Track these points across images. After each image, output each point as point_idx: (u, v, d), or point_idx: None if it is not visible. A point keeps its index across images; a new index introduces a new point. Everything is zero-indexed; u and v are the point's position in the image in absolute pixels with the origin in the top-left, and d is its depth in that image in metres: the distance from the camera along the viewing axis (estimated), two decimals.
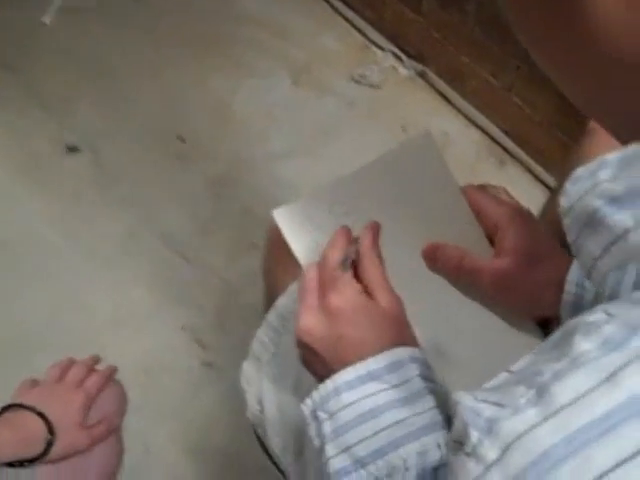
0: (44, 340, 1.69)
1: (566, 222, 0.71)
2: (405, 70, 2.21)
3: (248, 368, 1.05)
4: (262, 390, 1.00)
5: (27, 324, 1.72)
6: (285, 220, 0.91)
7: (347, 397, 0.70)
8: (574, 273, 0.81)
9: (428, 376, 0.73)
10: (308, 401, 0.73)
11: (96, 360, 1.15)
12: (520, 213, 0.86)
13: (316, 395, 0.72)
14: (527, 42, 0.46)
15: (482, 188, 1.72)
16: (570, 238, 0.73)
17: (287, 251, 0.90)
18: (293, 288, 0.98)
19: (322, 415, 0.71)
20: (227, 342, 1.71)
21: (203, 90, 2.16)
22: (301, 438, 0.94)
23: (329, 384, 0.71)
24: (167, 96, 2.13)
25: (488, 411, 0.44)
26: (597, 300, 0.71)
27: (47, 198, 1.92)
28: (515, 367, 0.52)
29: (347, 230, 0.83)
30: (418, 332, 0.81)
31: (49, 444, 0.96)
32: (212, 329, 1.73)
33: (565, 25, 0.41)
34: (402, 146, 0.92)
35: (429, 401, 0.70)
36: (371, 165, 0.92)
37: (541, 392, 0.42)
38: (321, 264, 0.81)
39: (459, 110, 2.12)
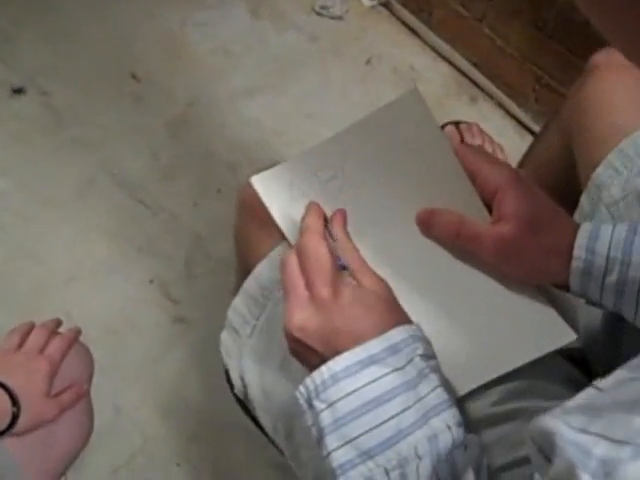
0: None
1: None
2: (368, 0, 2.11)
3: (226, 339, 1.00)
4: (243, 368, 0.95)
5: None
6: (265, 187, 0.85)
7: (348, 384, 0.66)
8: (583, 237, 0.78)
9: (429, 353, 0.70)
10: (302, 389, 0.69)
11: (58, 323, 1.09)
12: (518, 176, 0.81)
13: (310, 383, 0.68)
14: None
15: (477, 148, 1.69)
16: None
17: (264, 217, 0.85)
18: (274, 255, 0.92)
19: (319, 405, 0.67)
20: (198, 295, 1.64)
21: (154, 25, 2.04)
22: (290, 420, 0.90)
23: (324, 371, 0.67)
24: (117, 32, 2.01)
25: (599, 449, 0.39)
26: None
27: None
28: (604, 384, 0.47)
29: (318, 207, 0.80)
30: (415, 303, 0.79)
31: (14, 417, 0.91)
32: (181, 282, 1.65)
33: None
34: (390, 105, 0.86)
35: (433, 380, 0.67)
36: (357, 126, 0.86)
37: None
38: (300, 248, 0.76)
39: (426, 42, 2.05)
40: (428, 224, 0.83)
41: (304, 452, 0.89)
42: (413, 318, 0.75)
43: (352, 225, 0.81)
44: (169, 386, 1.55)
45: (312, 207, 0.80)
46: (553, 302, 0.85)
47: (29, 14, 2.02)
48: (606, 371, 0.87)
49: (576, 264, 0.78)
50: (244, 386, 0.96)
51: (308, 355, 0.71)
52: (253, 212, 0.91)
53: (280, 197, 0.84)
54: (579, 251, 0.77)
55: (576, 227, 0.80)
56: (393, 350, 0.67)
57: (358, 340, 0.68)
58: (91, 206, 1.74)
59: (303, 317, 0.71)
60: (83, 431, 1.04)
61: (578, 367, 0.90)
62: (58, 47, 1.96)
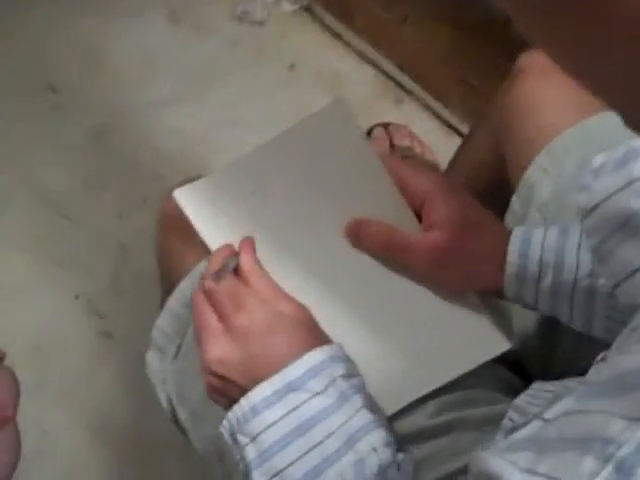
0: None
1: (588, 222, 0.66)
2: (289, 5, 2.09)
3: (152, 361, 0.98)
4: (170, 391, 0.93)
5: None
6: (188, 201, 0.83)
7: (267, 416, 0.64)
8: (515, 242, 0.78)
9: (351, 373, 0.68)
10: (225, 423, 0.67)
11: None
12: (447, 183, 0.81)
13: (232, 416, 0.66)
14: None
15: (403, 158, 1.69)
16: (593, 240, 0.68)
17: (187, 231, 0.83)
18: (197, 271, 0.89)
19: (243, 439, 0.65)
20: (126, 309, 1.60)
21: (71, 34, 1.97)
22: (221, 444, 0.86)
23: (244, 403, 0.65)
24: (31, 43, 1.94)
25: None
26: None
27: None
28: (550, 414, 0.46)
29: (228, 245, 0.78)
30: (346, 319, 0.79)
31: None
32: (108, 296, 1.61)
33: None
34: (314, 116, 0.85)
35: (356, 401, 0.66)
36: (281, 137, 0.85)
37: (622, 470, 0.35)
38: (206, 283, 0.74)
39: (350, 46, 2.02)
40: (356, 236, 0.82)
41: (236, 477, 0.87)
42: (344, 335, 0.73)
43: (276, 241, 0.80)
44: (99, 405, 1.50)
45: (220, 249, 0.78)
46: (487, 307, 0.84)
47: None
48: (542, 373, 0.87)
49: (510, 270, 0.77)
50: (172, 408, 0.93)
51: (228, 390, 0.69)
52: (176, 226, 0.89)
53: (204, 211, 0.82)
54: (512, 257, 0.77)
55: (506, 232, 0.80)
56: (311, 374, 0.65)
57: (277, 366, 0.66)
58: (10, 222, 1.68)
59: (220, 349, 0.69)
60: (9, 458, 0.98)
61: (512, 369, 0.90)
62: None
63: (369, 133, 1.80)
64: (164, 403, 0.94)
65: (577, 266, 0.75)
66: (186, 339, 0.91)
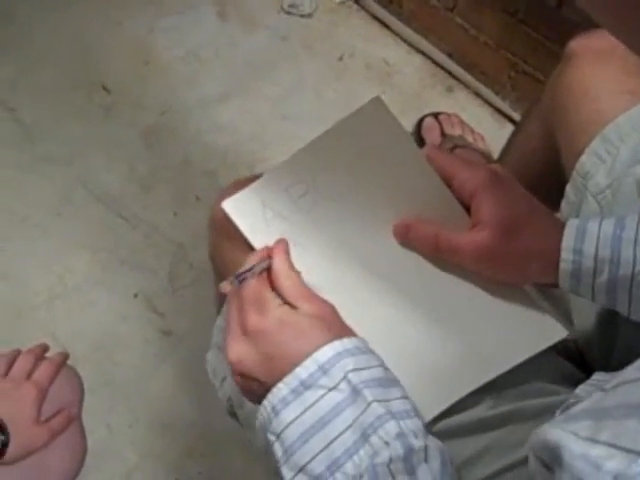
0: None
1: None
2: None
3: (212, 359, 0.99)
4: (229, 389, 0.94)
5: None
6: (237, 211, 0.83)
7: (287, 415, 0.65)
8: (569, 238, 0.76)
9: (362, 365, 0.68)
10: (258, 424, 0.69)
11: (45, 348, 1.07)
12: (495, 176, 0.79)
13: (260, 418, 0.68)
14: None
15: (455, 147, 1.68)
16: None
17: (237, 237, 0.83)
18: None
19: (271, 437, 0.66)
20: (183, 306, 1.62)
21: (120, 33, 2.01)
22: None
23: (266, 405, 0.67)
24: (82, 42, 1.98)
25: (610, 463, 0.37)
26: None
27: None
28: (609, 385, 0.45)
29: (266, 248, 0.79)
30: (401, 314, 0.79)
31: (3, 445, 0.89)
32: (166, 294, 1.63)
33: None
34: (353, 115, 0.84)
35: (367, 396, 0.65)
36: (322, 138, 0.84)
37: None
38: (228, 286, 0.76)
39: (398, 35, 2.03)
40: (405, 238, 0.82)
41: None
42: (398, 332, 0.74)
43: (327, 241, 0.81)
44: (161, 401, 1.53)
45: (256, 252, 0.79)
46: (544, 297, 0.84)
47: None
48: (603, 364, 0.86)
49: (564, 266, 0.77)
50: (232, 406, 0.94)
51: (255, 388, 0.70)
52: (226, 229, 0.88)
53: (254, 220, 0.82)
54: (566, 253, 0.76)
55: (557, 224, 0.79)
56: (322, 371, 0.66)
57: (295, 364, 0.67)
58: (69, 222, 1.71)
59: (238, 350, 0.70)
60: (76, 455, 1.01)
61: (574, 361, 0.89)
62: (22, 61, 1.93)
63: (420, 123, 1.79)
64: (224, 401, 0.95)
65: (634, 261, 0.74)
66: None
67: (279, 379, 0.66)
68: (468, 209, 0.81)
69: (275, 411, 0.65)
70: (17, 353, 1.02)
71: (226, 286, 0.74)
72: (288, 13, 2.07)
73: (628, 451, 0.37)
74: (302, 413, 0.64)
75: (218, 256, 1.00)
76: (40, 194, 1.74)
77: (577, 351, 0.91)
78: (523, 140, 1.23)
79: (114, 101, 1.89)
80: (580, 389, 0.76)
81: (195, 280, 1.64)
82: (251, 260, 0.76)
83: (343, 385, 0.65)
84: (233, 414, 0.96)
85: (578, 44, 1.03)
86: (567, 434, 0.42)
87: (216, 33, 2.03)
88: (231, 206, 0.83)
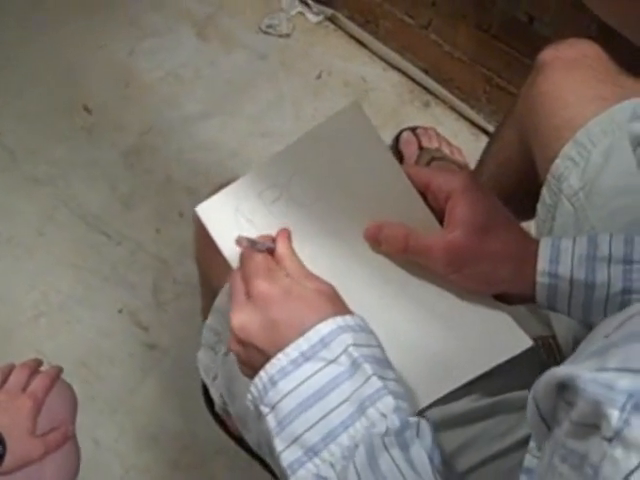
0: None
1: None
2: (314, 16, 2.13)
3: (203, 358, 1.01)
4: (221, 386, 0.96)
5: None
6: (210, 216, 0.82)
7: (285, 385, 0.66)
8: (544, 261, 0.77)
9: (363, 342, 0.69)
10: (249, 397, 0.70)
11: (39, 363, 1.07)
12: (471, 181, 0.80)
13: (254, 390, 0.69)
14: None
15: (432, 160, 1.70)
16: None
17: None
18: None
19: (264, 409, 0.67)
20: (167, 320, 1.64)
21: (102, 55, 2.03)
22: None
23: (263, 375, 0.67)
24: (64, 64, 1.99)
25: (623, 381, 0.38)
26: None
27: None
28: (608, 330, 0.47)
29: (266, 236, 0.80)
30: (368, 319, 0.76)
31: (0, 456, 0.90)
32: (150, 309, 1.64)
33: None
34: (330, 120, 0.84)
35: (367, 370, 0.66)
36: (299, 143, 0.84)
37: None
38: (240, 260, 0.77)
39: (375, 53, 2.06)
40: (376, 239, 0.82)
41: None
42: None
43: (298, 247, 0.80)
44: (147, 414, 1.54)
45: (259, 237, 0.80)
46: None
47: None
48: None
49: (540, 288, 0.78)
50: (224, 403, 0.95)
51: (253, 358, 0.71)
52: (209, 240, 0.91)
53: (226, 225, 0.81)
54: (542, 277, 0.77)
55: (526, 236, 0.80)
56: (323, 343, 0.67)
57: (296, 332, 0.68)
58: (52, 241, 1.72)
59: (242, 316, 0.71)
60: (70, 469, 1.01)
61: (554, 356, 0.91)
62: (4, 85, 1.94)
63: (398, 137, 1.82)
64: (216, 399, 0.97)
65: (609, 284, 0.75)
66: None
67: (280, 348, 0.67)
68: (442, 218, 0.81)
69: (272, 381, 0.66)
70: (12, 367, 1.03)
71: (242, 240, 0.75)
72: (266, 33, 2.10)
73: (638, 371, 0.39)
74: (300, 384, 0.65)
75: (204, 259, 1.02)
76: (24, 214, 1.75)
77: (556, 347, 0.93)
78: (498, 149, 1.26)
79: (96, 122, 1.91)
80: None
81: (179, 294, 1.66)
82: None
83: (343, 358, 0.66)
84: (220, 418, 0.97)
85: (548, 54, 1.06)
86: (578, 368, 0.44)
87: (196, 53, 2.06)
88: (204, 211, 0.82)
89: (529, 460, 0.74)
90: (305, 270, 0.76)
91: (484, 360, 0.81)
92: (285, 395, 0.65)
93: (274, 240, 0.79)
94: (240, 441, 1.31)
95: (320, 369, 0.66)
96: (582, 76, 1.01)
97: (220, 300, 0.95)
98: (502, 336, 0.82)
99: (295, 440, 0.64)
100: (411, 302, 0.82)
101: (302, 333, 0.67)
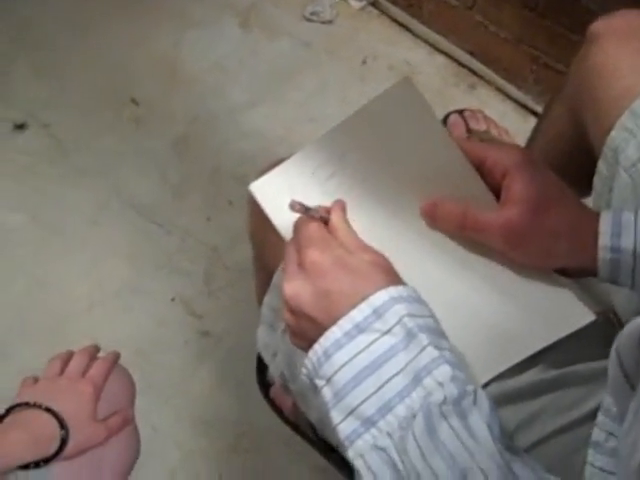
0: (23, 331, 1.61)
1: None
2: (356, 1, 2.12)
3: (263, 336, 1.01)
4: (281, 363, 0.96)
5: (1, 318, 1.63)
6: (264, 193, 0.82)
7: (339, 357, 0.66)
8: (606, 233, 0.76)
9: (417, 313, 0.68)
10: (304, 371, 0.69)
11: (97, 349, 1.08)
12: (527, 157, 0.80)
13: (308, 363, 0.68)
14: None
15: (481, 142, 1.69)
16: None
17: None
18: None
19: (319, 382, 0.67)
20: (220, 307, 1.64)
21: (145, 48, 2.05)
22: None
23: (317, 349, 0.67)
24: (110, 58, 2.02)
25: None
26: None
27: (3, 182, 1.82)
28: None
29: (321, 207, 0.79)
30: (430, 295, 0.75)
31: (63, 441, 0.90)
32: (203, 296, 1.66)
33: None
34: (382, 96, 0.83)
35: (422, 340, 0.66)
36: (351, 120, 0.83)
37: None
38: (294, 228, 0.77)
39: (419, 36, 2.05)
40: (432, 217, 0.82)
41: None
42: (439, 301, 0.73)
43: (354, 222, 0.79)
44: (203, 400, 1.55)
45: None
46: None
47: (18, 48, 2.03)
48: None
49: (602, 263, 0.77)
50: (285, 380, 0.96)
51: (308, 329, 0.70)
52: (263, 216, 0.91)
53: (279, 202, 0.80)
54: (604, 252, 0.76)
55: (585, 209, 0.79)
56: (377, 315, 0.66)
57: (350, 303, 0.67)
58: (105, 231, 1.75)
59: (294, 285, 0.71)
60: (131, 453, 1.02)
61: (615, 330, 0.90)
62: (53, 79, 1.97)
63: (445, 120, 1.81)
64: (276, 376, 0.97)
65: None
66: None
67: (333, 317, 0.67)
68: (498, 193, 0.80)
69: (327, 355, 0.66)
70: (71, 353, 1.04)
71: (295, 204, 0.75)
72: (309, 20, 2.10)
73: None
74: (355, 356, 0.65)
75: (259, 240, 1.02)
76: (77, 205, 1.78)
77: (617, 321, 0.92)
78: (549, 125, 1.24)
79: (143, 113, 1.93)
80: None
81: (231, 281, 1.67)
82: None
83: (397, 329, 0.66)
84: (287, 389, 0.97)
85: (600, 26, 1.05)
86: None
87: (239, 43, 2.07)
88: (257, 189, 0.82)
89: (597, 434, 0.74)
90: (359, 241, 0.75)
91: (546, 334, 0.80)
92: (340, 368, 0.65)
93: (329, 212, 0.78)
94: (295, 427, 1.32)
95: (374, 340, 0.65)
96: (636, 46, 0.99)
97: (278, 277, 0.95)
98: (564, 310, 0.81)
99: (351, 412, 0.64)
100: (470, 276, 0.82)
101: (354, 303, 0.67)
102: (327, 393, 0.66)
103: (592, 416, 0.75)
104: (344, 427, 0.64)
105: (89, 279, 1.68)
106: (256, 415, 1.49)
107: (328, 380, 0.66)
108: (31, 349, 1.56)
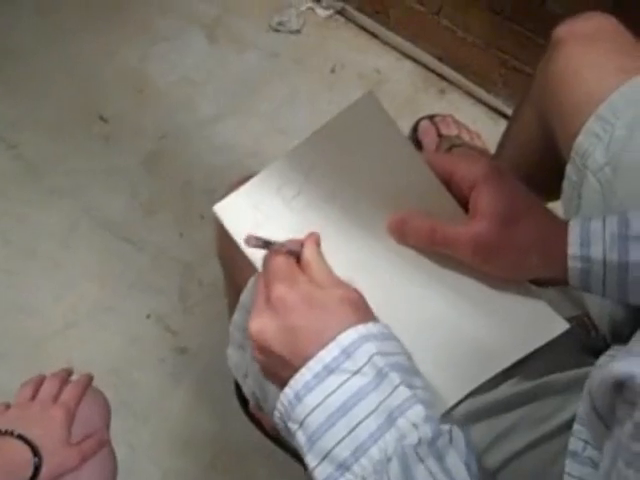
0: None
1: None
2: (323, 10, 2.12)
3: (233, 355, 0.99)
4: (253, 385, 0.95)
5: None
6: (228, 214, 0.81)
7: (310, 400, 0.64)
8: (574, 245, 0.76)
9: (387, 350, 0.67)
10: (277, 414, 0.68)
11: (69, 372, 1.07)
12: (494, 169, 0.78)
13: (280, 407, 0.67)
14: None
15: (452, 147, 1.69)
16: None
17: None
18: None
19: (293, 426, 0.66)
20: (196, 323, 1.63)
21: (114, 63, 2.03)
22: None
23: (288, 392, 0.66)
24: (77, 75, 2.00)
25: None
26: None
27: None
28: None
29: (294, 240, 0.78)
30: (400, 313, 0.77)
31: (37, 467, 0.89)
32: (178, 313, 1.65)
33: None
34: (345, 112, 0.82)
35: (394, 379, 0.65)
36: (315, 136, 0.82)
37: None
38: (263, 264, 0.75)
39: (387, 43, 2.05)
40: (400, 233, 0.81)
41: None
42: (399, 329, 0.72)
43: (323, 242, 0.79)
44: (181, 418, 1.54)
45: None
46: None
47: None
48: (616, 338, 0.87)
49: (572, 273, 0.76)
50: (257, 400, 0.95)
51: (277, 367, 0.70)
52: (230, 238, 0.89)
53: (244, 223, 0.80)
54: (573, 261, 0.75)
55: (555, 220, 0.79)
56: (346, 354, 0.65)
57: (318, 341, 0.66)
58: (77, 251, 1.73)
59: (259, 321, 0.70)
60: (107, 475, 1.01)
61: (589, 334, 0.90)
62: (20, 97, 1.95)
63: (415, 126, 1.81)
64: (249, 396, 0.96)
65: None
66: None
67: (300, 355, 0.66)
68: (467, 206, 0.80)
69: (298, 397, 0.65)
70: (42, 378, 1.03)
71: (250, 239, 0.73)
72: (276, 31, 2.09)
73: None
74: (326, 398, 0.64)
75: (227, 260, 1.01)
76: (48, 226, 1.76)
77: (592, 325, 0.92)
78: (518, 130, 1.24)
79: (112, 130, 1.91)
80: (602, 359, 0.76)
81: (206, 297, 1.66)
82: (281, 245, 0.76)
83: (367, 369, 0.65)
84: (254, 417, 0.96)
85: (563, 30, 1.05)
86: (634, 365, 0.43)
87: (207, 56, 2.05)
88: (221, 210, 0.81)
89: (574, 443, 0.73)
90: (332, 277, 0.74)
91: (520, 346, 0.80)
92: (312, 410, 0.64)
93: (302, 244, 0.77)
94: (276, 440, 1.31)
95: (345, 381, 0.64)
96: (600, 50, 0.99)
97: (245, 296, 0.94)
98: (537, 320, 0.81)
99: (326, 456, 0.63)
100: (442, 291, 0.81)
101: (322, 341, 0.66)
102: (301, 437, 0.65)
103: (568, 426, 0.75)
104: (320, 472, 0.63)
105: (63, 301, 1.66)
106: (235, 430, 1.49)
107: (301, 424, 0.65)
108: (7, 372, 1.54)
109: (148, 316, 1.64)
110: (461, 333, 0.80)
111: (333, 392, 0.64)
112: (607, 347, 0.78)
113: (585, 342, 0.87)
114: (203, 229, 1.72)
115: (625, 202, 0.89)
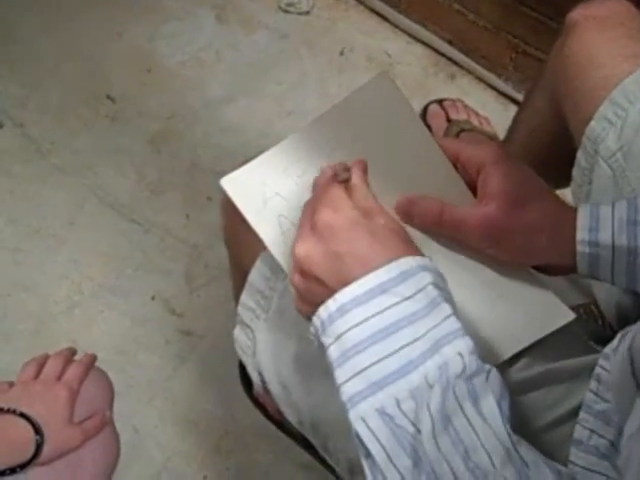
0: (2, 335, 1.59)
1: None
2: None
3: (240, 336, 0.99)
4: (259, 364, 0.94)
5: None
6: (235, 187, 0.80)
7: (356, 315, 0.64)
8: (583, 230, 0.75)
9: (440, 284, 0.67)
10: (312, 329, 0.67)
11: (72, 352, 1.07)
12: (502, 152, 0.78)
13: (316, 320, 0.66)
14: None
15: (461, 132, 1.68)
16: None
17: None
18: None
19: (327, 340, 0.65)
20: (201, 306, 1.63)
21: (122, 43, 2.02)
22: (313, 413, 0.89)
23: (330, 305, 0.65)
24: (85, 55, 1.98)
25: None
26: None
27: None
28: None
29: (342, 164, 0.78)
30: None
31: (39, 446, 0.89)
32: (183, 294, 1.64)
33: None
34: (358, 91, 0.82)
35: (445, 309, 0.65)
36: (326, 115, 0.81)
37: None
38: (312, 188, 0.76)
39: (397, 26, 2.03)
40: (408, 213, 0.80)
41: (331, 443, 0.89)
42: None
43: None
44: (185, 400, 1.54)
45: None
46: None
47: None
48: (623, 325, 0.86)
49: (581, 258, 0.76)
50: (263, 381, 0.94)
51: (313, 292, 0.69)
52: (239, 214, 0.89)
53: (253, 197, 0.79)
54: (582, 246, 0.75)
55: (563, 204, 0.78)
56: (402, 278, 0.64)
57: (364, 267, 0.65)
58: (83, 231, 1.72)
59: (306, 246, 0.70)
60: (110, 455, 1.01)
61: (596, 322, 0.89)
62: (27, 77, 1.94)
63: (425, 110, 1.80)
64: (254, 377, 0.95)
65: None
66: (270, 313, 0.92)
67: (343, 281, 0.65)
68: (474, 188, 0.79)
69: (342, 311, 0.64)
70: (46, 357, 1.03)
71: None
72: (286, 12, 2.08)
73: None
74: (372, 316, 0.63)
75: (233, 240, 1.00)
76: (53, 205, 1.75)
77: (599, 313, 0.91)
78: (529, 115, 1.23)
79: (120, 110, 1.90)
80: (609, 347, 0.76)
81: (212, 279, 1.65)
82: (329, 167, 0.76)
83: (420, 296, 0.64)
84: (265, 390, 0.96)
85: (578, 14, 1.03)
86: None
87: (216, 36, 2.04)
88: (229, 183, 0.81)
89: (579, 432, 0.73)
90: (378, 205, 0.73)
91: (526, 334, 0.79)
92: (354, 326, 0.63)
93: (349, 169, 0.76)
94: (280, 424, 1.31)
95: (395, 304, 0.64)
96: (614, 34, 0.98)
97: (254, 276, 0.93)
98: (544, 310, 0.80)
99: (359, 372, 0.62)
100: (450, 279, 0.77)
101: (369, 270, 0.65)
102: (333, 351, 0.64)
103: (575, 413, 0.74)
104: (348, 387, 0.63)
105: (68, 280, 1.66)
106: (239, 414, 1.49)
107: (337, 337, 0.64)
108: (11, 352, 1.54)
109: (153, 297, 1.63)
110: (465, 322, 0.79)
111: (380, 312, 0.64)
112: (614, 335, 0.77)
113: (592, 330, 0.87)
114: (210, 211, 1.72)
115: (637, 189, 0.88)
